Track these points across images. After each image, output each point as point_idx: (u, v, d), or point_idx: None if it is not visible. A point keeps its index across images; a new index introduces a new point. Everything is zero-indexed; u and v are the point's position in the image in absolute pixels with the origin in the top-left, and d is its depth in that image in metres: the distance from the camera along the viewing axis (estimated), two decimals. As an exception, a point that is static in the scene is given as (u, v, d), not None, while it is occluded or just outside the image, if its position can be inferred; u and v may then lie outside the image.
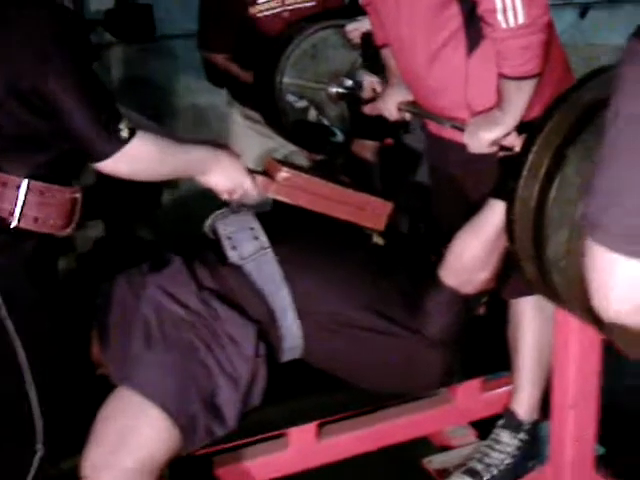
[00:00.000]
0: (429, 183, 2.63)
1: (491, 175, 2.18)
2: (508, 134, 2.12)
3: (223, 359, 2.09)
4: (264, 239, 2.25)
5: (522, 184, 1.72)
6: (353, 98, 2.98)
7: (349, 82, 3.02)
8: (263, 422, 2.26)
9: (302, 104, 3.05)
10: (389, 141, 3.21)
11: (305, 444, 2.41)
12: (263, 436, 2.35)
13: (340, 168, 3.10)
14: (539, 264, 1.72)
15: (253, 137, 3.43)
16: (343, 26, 3.07)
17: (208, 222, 2.36)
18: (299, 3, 3.33)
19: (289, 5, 3.32)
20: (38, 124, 1.85)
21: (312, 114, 3.06)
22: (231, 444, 2.27)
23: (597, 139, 1.52)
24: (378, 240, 2.39)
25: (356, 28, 3.02)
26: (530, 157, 1.71)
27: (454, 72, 2.20)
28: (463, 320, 2.25)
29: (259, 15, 3.30)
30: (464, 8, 2.12)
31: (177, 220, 4.32)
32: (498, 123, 2.13)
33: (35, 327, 1.95)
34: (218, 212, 2.36)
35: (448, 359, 2.26)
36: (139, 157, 1.91)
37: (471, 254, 2.16)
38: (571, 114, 1.69)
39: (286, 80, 3.02)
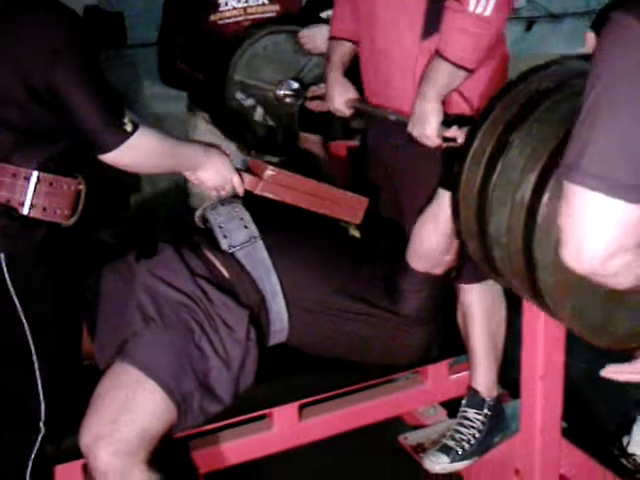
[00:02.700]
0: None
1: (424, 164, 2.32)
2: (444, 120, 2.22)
3: (216, 342, 2.17)
4: (254, 228, 2.35)
5: (467, 168, 1.84)
6: (299, 99, 3.10)
7: (295, 85, 3.14)
8: (243, 403, 2.30)
9: (250, 102, 3.14)
10: (354, 143, 3.33)
11: (287, 424, 2.48)
12: (246, 417, 2.41)
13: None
14: (482, 240, 1.83)
15: (214, 141, 3.47)
16: (296, 32, 3.18)
17: (198, 212, 2.44)
18: (260, 13, 3.40)
19: (250, 14, 3.38)
20: (49, 118, 1.94)
21: (259, 113, 3.16)
22: (214, 425, 2.32)
23: (540, 127, 1.68)
24: (355, 233, 2.49)
25: (309, 35, 3.14)
26: (474, 144, 1.83)
27: (407, 54, 2.29)
28: (437, 298, 2.38)
29: (220, 22, 3.36)
30: None
31: (138, 222, 4.39)
32: (428, 113, 2.21)
33: (43, 312, 2.03)
34: (208, 203, 2.44)
35: (426, 335, 2.41)
36: (141, 149, 2.01)
37: (431, 241, 2.27)
38: (514, 104, 1.79)
39: (237, 77, 3.11)
